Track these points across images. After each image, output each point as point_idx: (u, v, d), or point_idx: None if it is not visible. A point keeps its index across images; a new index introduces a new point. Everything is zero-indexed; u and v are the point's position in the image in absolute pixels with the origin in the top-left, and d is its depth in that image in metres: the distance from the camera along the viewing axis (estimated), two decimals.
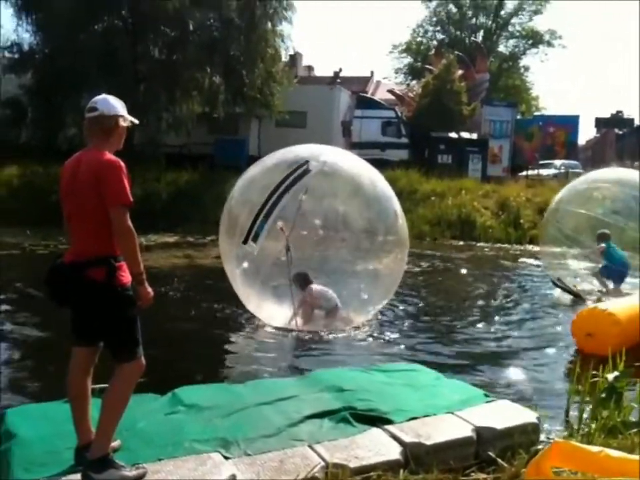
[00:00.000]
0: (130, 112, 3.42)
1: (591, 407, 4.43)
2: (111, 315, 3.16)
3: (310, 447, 3.57)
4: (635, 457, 3.12)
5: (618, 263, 9.73)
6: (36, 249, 12.89)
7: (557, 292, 9.93)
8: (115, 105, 3.32)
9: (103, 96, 3.38)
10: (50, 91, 21.24)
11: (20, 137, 22.93)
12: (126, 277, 3.17)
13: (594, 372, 4.77)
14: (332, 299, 7.46)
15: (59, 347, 5.88)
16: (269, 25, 23.93)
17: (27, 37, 22.87)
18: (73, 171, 3.26)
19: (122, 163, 3.20)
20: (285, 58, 26.94)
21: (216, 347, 6.67)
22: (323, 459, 3.41)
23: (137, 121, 3.41)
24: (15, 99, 22.81)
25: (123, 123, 3.34)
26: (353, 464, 3.40)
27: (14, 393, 5.03)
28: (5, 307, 8.06)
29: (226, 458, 3.39)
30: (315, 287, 7.45)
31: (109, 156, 3.22)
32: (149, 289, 3.22)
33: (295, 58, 36.04)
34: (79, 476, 3.08)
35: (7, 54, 23.01)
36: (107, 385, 3.21)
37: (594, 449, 3.21)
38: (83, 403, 3.26)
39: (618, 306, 6.86)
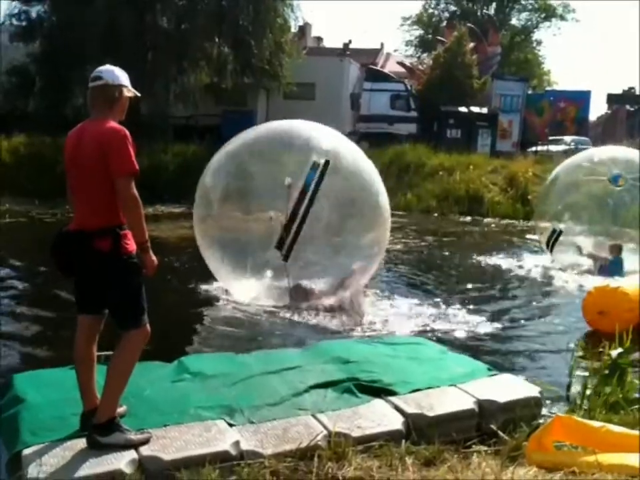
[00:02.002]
0: (137, 82, 3.44)
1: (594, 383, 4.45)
2: (117, 283, 3.18)
3: (313, 416, 3.61)
4: (635, 432, 3.15)
5: (615, 273, 9.64)
6: (43, 217, 12.94)
7: (565, 269, 9.93)
8: (119, 75, 3.32)
9: (108, 66, 3.38)
10: (57, 60, 21.06)
11: (27, 105, 22.82)
12: (131, 245, 3.18)
13: (600, 349, 4.79)
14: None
15: (67, 314, 5.98)
16: None
17: (34, 3, 22.68)
18: (77, 142, 3.26)
19: (127, 132, 3.18)
20: (294, 29, 26.66)
21: (217, 318, 6.67)
22: (326, 428, 3.45)
23: (139, 94, 3.41)
24: (22, 68, 22.69)
25: (126, 94, 3.35)
26: (356, 433, 3.43)
27: (22, 358, 5.10)
28: (14, 274, 8.11)
29: (230, 425, 3.44)
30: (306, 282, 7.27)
31: (114, 125, 3.21)
32: (154, 257, 3.25)
33: (304, 29, 35.60)
34: (84, 440, 3.13)
35: (14, 21, 22.82)
36: (112, 353, 3.24)
37: (595, 424, 3.25)
38: (88, 369, 3.29)
39: (630, 284, 6.83)
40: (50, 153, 17.68)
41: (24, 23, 22.68)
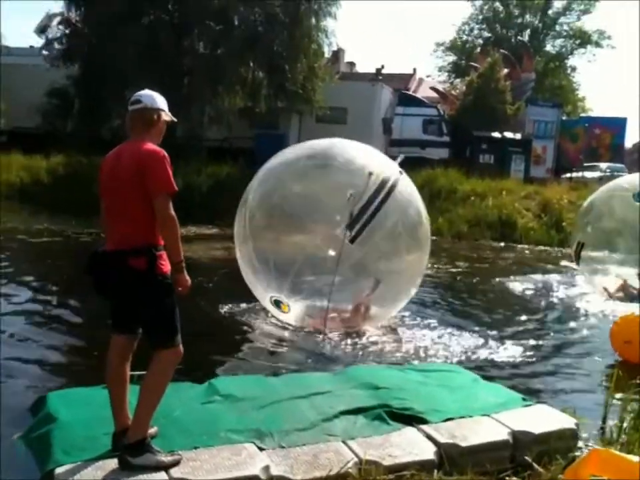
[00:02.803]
0: (174, 105, 3.53)
1: (631, 415, 4.33)
2: (151, 302, 3.21)
3: (344, 442, 3.58)
4: None
5: None
6: (79, 236, 13.16)
7: (596, 297, 9.77)
8: (157, 99, 3.41)
9: (147, 90, 3.47)
10: (96, 82, 21.59)
11: (66, 127, 23.38)
12: (166, 266, 3.22)
13: (636, 380, 4.66)
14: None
15: (101, 333, 6.03)
16: (313, 20, 23.92)
17: (74, 28, 23.33)
18: (114, 163, 3.32)
19: (164, 152, 3.25)
20: (327, 54, 26.92)
21: (249, 339, 6.66)
22: (357, 455, 3.42)
23: (175, 119, 3.49)
24: (62, 89, 23.31)
25: (164, 117, 3.43)
26: (387, 462, 3.39)
27: (57, 376, 5.15)
28: (49, 293, 8.24)
29: (260, 449, 3.42)
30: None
31: (152, 146, 3.28)
32: (187, 277, 3.27)
33: (337, 54, 35.96)
34: (116, 461, 3.14)
35: (56, 45, 23.48)
36: (145, 372, 3.26)
37: (634, 458, 3.14)
38: (121, 389, 3.31)
39: None
40: (86, 173, 17.99)
41: (64, 46, 23.31)
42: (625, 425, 4.21)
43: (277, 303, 6.87)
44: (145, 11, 22.75)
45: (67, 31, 23.22)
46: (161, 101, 3.43)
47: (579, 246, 10.55)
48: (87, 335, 6.36)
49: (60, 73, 22.88)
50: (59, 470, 3.10)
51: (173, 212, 3.19)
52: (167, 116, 3.45)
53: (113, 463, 3.13)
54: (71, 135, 22.35)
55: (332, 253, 6.96)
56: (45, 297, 7.97)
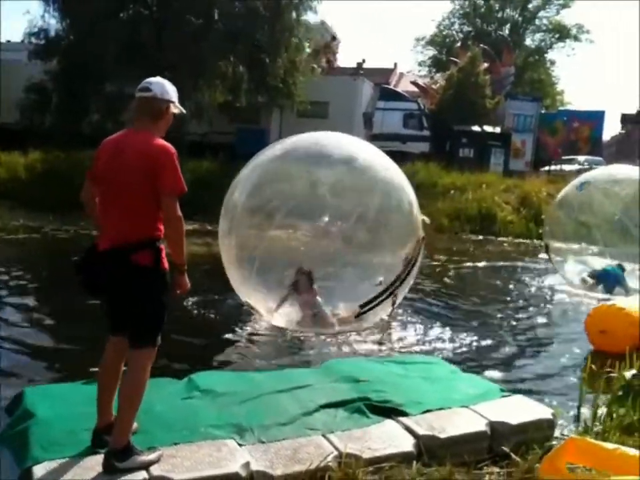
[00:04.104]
0: None
1: (605, 404, 4.41)
2: (149, 298, 3.12)
3: (324, 436, 3.60)
4: None
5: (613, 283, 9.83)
6: (56, 233, 13.04)
7: (571, 287, 10.01)
8: (168, 89, 3.26)
9: (158, 78, 3.31)
10: (75, 77, 21.37)
11: (44, 122, 23.11)
12: (166, 261, 3.15)
13: (608, 369, 4.74)
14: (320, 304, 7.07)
15: (78, 329, 6.01)
16: (294, 14, 23.86)
17: (53, 23, 23.10)
18: (115, 152, 3.15)
19: (174, 150, 3.14)
20: (308, 48, 26.87)
21: (226, 335, 6.63)
22: (337, 449, 3.43)
23: (184, 111, 3.34)
24: (40, 85, 23.02)
25: (173, 110, 3.29)
26: (366, 455, 3.41)
27: (34, 371, 5.11)
28: (26, 290, 8.16)
29: (240, 445, 3.42)
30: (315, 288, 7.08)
31: (162, 141, 3.16)
32: (187, 280, 3.24)
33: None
34: (97, 458, 3.13)
35: (33, 40, 23.19)
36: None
37: (610, 446, 3.20)
38: (111, 388, 3.25)
39: (632, 304, 6.80)
40: (64, 169, 17.88)
41: (42, 41, 23.03)
42: (599, 413, 4.28)
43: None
44: (125, 6, 22.56)
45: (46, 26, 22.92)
46: (172, 91, 3.27)
47: (546, 248, 11.00)
48: (65, 333, 6.31)
49: (38, 68, 22.61)
50: (37, 468, 3.07)
51: (180, 213, 3.09)
52: (176, 108, 3.31)
53: (92, 461, 3.11)
54: (49, 131, 22.09)
55: None
56: (21, 294, 7.88)
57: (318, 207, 7.20)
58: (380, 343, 6.50)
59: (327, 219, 7.20)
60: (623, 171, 11.37)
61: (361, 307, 6.63)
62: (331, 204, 7.19)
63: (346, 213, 7.17)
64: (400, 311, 7.70)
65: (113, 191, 3.15)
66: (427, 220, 7.34)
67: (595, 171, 12.38)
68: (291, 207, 7.08)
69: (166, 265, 3.15)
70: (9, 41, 31.05)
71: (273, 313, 6.95)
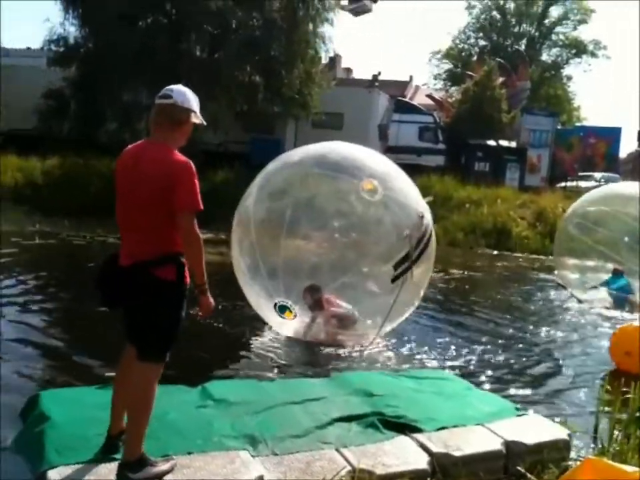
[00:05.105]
0: None
1: (623, 425, 4.34)
2: (169, 314, 3.07)
3: (337, 450, 3.58)
4: None
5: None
6: (73, 239, 13.11)
7: (585, 303, 10.00)
8: (190, 98, 3.18)
9: (180, 86, 3.22)
10: (92, 84, 21.58)
11: (62, 129, 23.32)
12: (188, 276, 3.11)
13: (624, 389, 4.68)
14: (348, 308, 6.91)
15: (94, 334, 6.03)
16: (310, 26, 23.99)
17: (72, 30, 23.36)
18: (134, 164, 3.09)
19: (193, 165, 3.07)
20: (324, 60, 26.98)
21: (233, 345, 6.58)
22: (350, 464, 3.41)
23: (205, 122, 3.27)
24: (58, 91, 23.26)
25: (193, 119, 3.21)
26: (380, 471, 3.39)
27: (49, 375, 5.13)
28: (44, 296, 8.20)
29: (253, 456, 3.40)
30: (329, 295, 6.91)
31: (180, 156, 3.08)
32: (211, 300, 3.16)
33: (334, 60, 36.04)
34: (110, 465, 3.13)
35: (53, 47, 23.46)
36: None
37: (628, 468, 3.14)
38: (125, 395, 3.23)
39: None
40: (82, 175, 18.02)
41: (62, 49, 23.29)
42: (615, 434, 4.22)
43: (282, 309, 6.72)
44: (143, 14, 22.77)
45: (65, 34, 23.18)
46: (193, 100, 3.18)
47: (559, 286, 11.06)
48: (80, 338, 6.33)
49: (57, 74, 22.86)
50: (51, 472, 3.07)
51: (198, 230, 3.04)
52: (196, 118, 3.21)
53: (106, 469, 3.11)
54: (67, 137, 22.29)
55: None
56: (37, 298, 7.92)
57: (332, 215, 7.17)
58: (392, 356, 6.46)
59: (339, 227, 7.15)
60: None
61: (395, 267, 6.43)
62: (344, 212, 7.14)
63: (359, 221, 7.10)
64: (411, 325, 7.66)
65: (132, 205, 3.09)
66: (431, 198, 7.14)
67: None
68: (305, 215, 7.03)
69: (188, 280, 3.11)
70: (28, 48, 31.49)
71: (286, 327, 6.90)
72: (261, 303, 7.00)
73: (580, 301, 10.20)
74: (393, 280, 6.48)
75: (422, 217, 6.56)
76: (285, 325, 6.91)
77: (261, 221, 6.99)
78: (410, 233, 6.43)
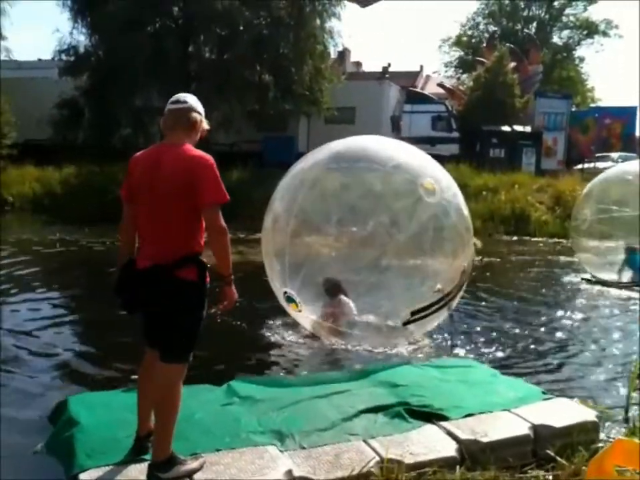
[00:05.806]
0: None
1: None
2: (191, 314, 3.09)
3: (365, 441, 3.57)
4: None
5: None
6: (92, 245, 13.24)
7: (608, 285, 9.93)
8: (199, 104, 3.29)
9: (188, 94, 3.34)
10: (105, 91, 21.77)
11: (77, 137, 23.55)
12: (209, 276, 3.13)
13: None
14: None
15: (117, 338, 6.08)
16: (318, 21, 23.97)
17: (82, 39, 23.59)
18: (153, 166, 3.10)
19: (212, 159, 3.10)
20: (333, 54, 26.96)
21: (256, 342, 6.59)
22: (378, 454, 3.41)
23: (209, 127, 3.36)
24: (71, 101, 23.49)
25: (204, 124, 3.30)
26: (408, 460, 3.38)
27: (75, 381, 5.18)
28: (66, 302, 8.30)
29: (281, 451, 3.42)
30: (344, 298, 6.78)
31: (199, 152, 3.12)
32: (235, 291, 3.18)
33: (343, 54, 36.00)
34: (139, 466, 3.16)
35: (63, 57, 23.68)
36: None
37: None
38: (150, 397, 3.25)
39: None
40: (98, 182, 18.19)
41: (72, 58, 23.50)
42: None
43: (289, 300, 6.71)
44: (151, 19, 22.90)
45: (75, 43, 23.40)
46: (201, 107, 3.29)
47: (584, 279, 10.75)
48: (104, 342, 6.39)
49: (69, 84, 23.08)
50: (83, 475, 3.11)
51: (224, 223, 3.04)
52: (205, 123, 3.32)
53: (136, 470, 3.14)
54: (82, 145, 22.51)
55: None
56: (61, 306, 8.02)
57: (363, 213, 7.06)
58: (415, 347, 6.44)
59: (371, 225, 7.00)
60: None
61: (413, 313, 6.23)
62: (375, 209, 7.00)
63: (391, 219, 6.95)
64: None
65: (151, 206, 3.10)
66: (479, 244, 6.93)
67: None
68: (336, 213, 6.86)
69: (208, 279, 3.13)
70: (40, 59, 31.81)
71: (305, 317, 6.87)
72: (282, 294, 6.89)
73: (605, 284, 10.10)
74: (405, 323, 6.32)
75: (463, 271, 6.27)
76: (304, 316, 6.86)
77: (291, 219, 6.64)
78: (442, 287, 6.16)
